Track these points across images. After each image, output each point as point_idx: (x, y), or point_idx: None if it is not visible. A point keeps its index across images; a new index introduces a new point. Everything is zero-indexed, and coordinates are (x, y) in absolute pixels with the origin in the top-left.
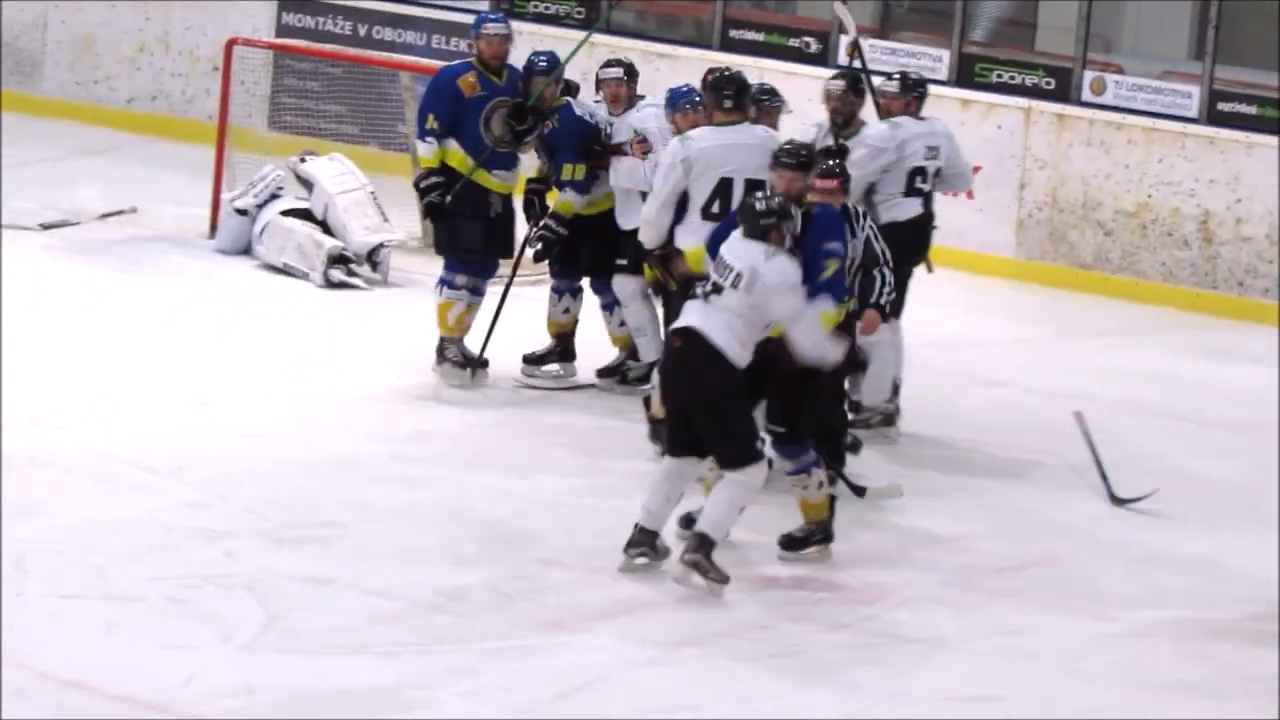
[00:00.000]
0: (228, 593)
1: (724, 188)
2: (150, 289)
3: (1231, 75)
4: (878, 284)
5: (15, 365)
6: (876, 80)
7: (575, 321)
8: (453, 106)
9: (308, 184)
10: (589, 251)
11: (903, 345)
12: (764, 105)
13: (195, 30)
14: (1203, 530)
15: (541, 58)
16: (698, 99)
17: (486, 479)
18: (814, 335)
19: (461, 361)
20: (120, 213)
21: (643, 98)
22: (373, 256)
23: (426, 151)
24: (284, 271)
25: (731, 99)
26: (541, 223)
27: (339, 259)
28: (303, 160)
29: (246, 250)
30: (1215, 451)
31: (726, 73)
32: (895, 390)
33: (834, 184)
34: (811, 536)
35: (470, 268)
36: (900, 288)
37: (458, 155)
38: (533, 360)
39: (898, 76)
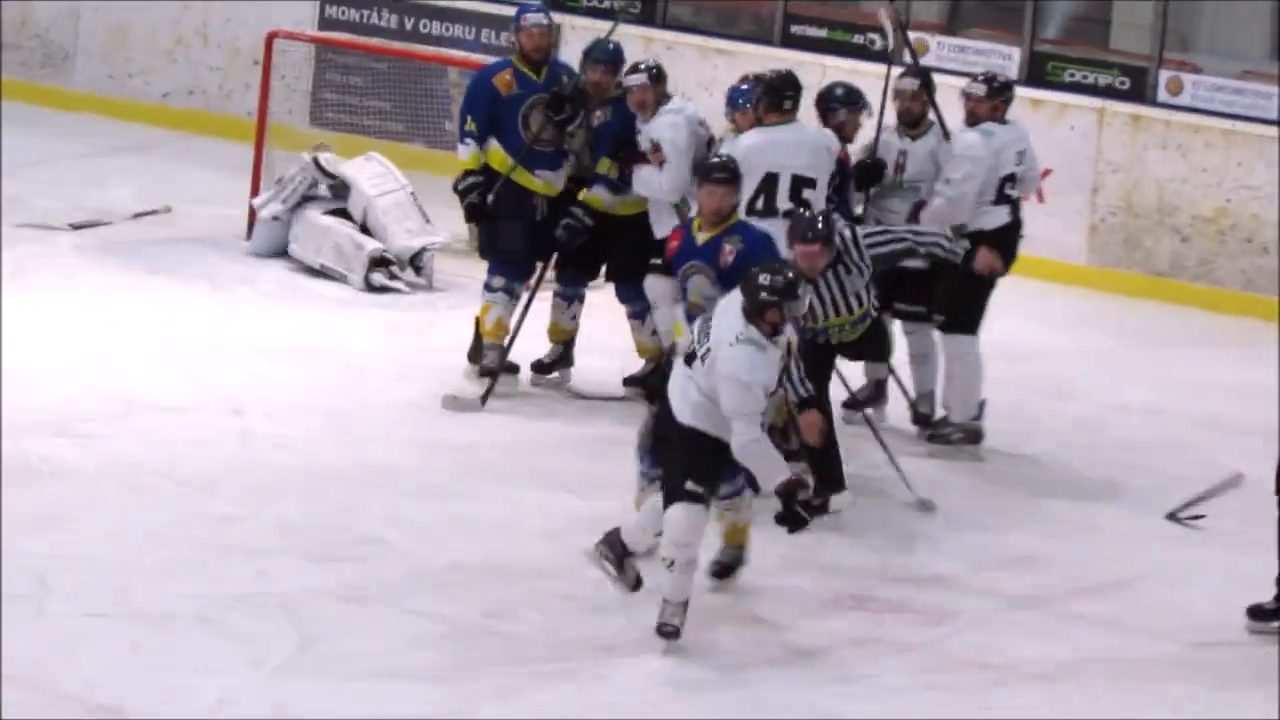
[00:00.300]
0: (261, 613)
1: (769, 183)
2: (184, 293)
3: None
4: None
5: (41, 371)
6: (961, 82)
7: (578, 328)
8: (490, 106)
9: (343, 185)
10: (616, 254)
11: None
12: (839, 108)
13: (235, 22)
14: None
15: (602, 47)
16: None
17: (535, 494)
18: (751, 451)
19: (495, 370)
20: (154, 212)
21: (670, 100)
22: (416, 261)
23: (464, 154)
24: (320, 273)
25: (791, 100)
26: (570, 210)
27: (380, 261)
28: (318, 154)
29: (283, 253)
30: None
31: (782, 73)
32: (981, 408)
33: (816, 248)
34: (738, 562)
35: (512, 270)
36: (981, 300)
37: (498, 155)
38: (542, 369)
39: (983, 79)
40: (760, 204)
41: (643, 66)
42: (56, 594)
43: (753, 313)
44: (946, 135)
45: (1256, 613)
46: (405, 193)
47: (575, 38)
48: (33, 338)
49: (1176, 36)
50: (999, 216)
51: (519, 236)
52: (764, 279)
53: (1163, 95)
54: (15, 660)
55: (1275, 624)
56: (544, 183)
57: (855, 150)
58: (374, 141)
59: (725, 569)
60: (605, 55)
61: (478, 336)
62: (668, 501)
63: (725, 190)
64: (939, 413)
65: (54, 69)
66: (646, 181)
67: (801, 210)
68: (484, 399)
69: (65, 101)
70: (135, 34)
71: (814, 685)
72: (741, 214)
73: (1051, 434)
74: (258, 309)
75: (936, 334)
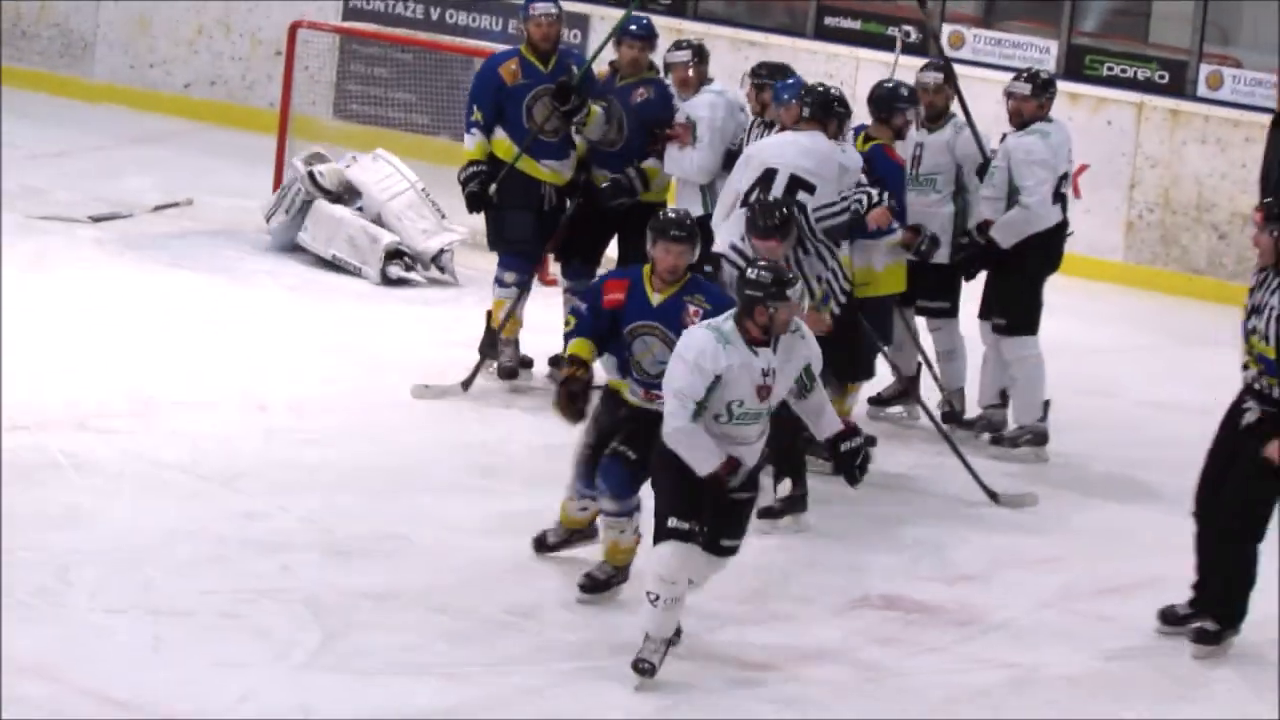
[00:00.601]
0: (284, 608)
1: (766, 178)
2: (205, 286)
3: None
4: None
5: (60, 365)
6: (998, 75)
7: None
8: (496, 96)
9: (342, 193)
10: (631, 243)
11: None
12: (907, 107)
13: (257, 12)
14: None
15: (636, 21)
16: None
17: (561, 492)
18: (675, 439)
19: (512, 369)
20: (175, 205)
21: (711, 82)
22: (437, 261)
23: (470, 144)
24: (332, 264)
25: (808, 109)
26: (624, 170)
27: (395, 254)
28: (312, 166)
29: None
30: None
31: (837, 94)
32: (1045, 409)
33: (772, 243)
34: (613, 579)
35: (522, 263)
36: (1037, 299)
37: (504, 145)
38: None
39: (1027, 76)
40: (755, 197)
41: (686, 44)
42: (78, 589)
43: (741, 313)
44: (974, 130)
45: (1169, 617)
46: (415, 190)
47: (604, 27)
48: (53, 331)
49: (1217, 30)
50: (1054, 215)
51: (526, 227)
52: (752, 274)
53: (1203, 90)
54: (36, 654)
55: (1190, 627)
56: (551, 171)
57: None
58: (399, 134)
59: (596, 584)
60: (642, 30)
61: (489, 331)
62: (656, 538)
63: (683, 249)
64: (971, 410)
65: (73, 59)
66: (678, 161)
67: (759, 197)
68: (466, 384)
69: (85, 92)
70: (157, 23)
71: (841, 685)
72: (738, 206)
73: (1091, 431)
74: (280, 303)
75: (991, 335)
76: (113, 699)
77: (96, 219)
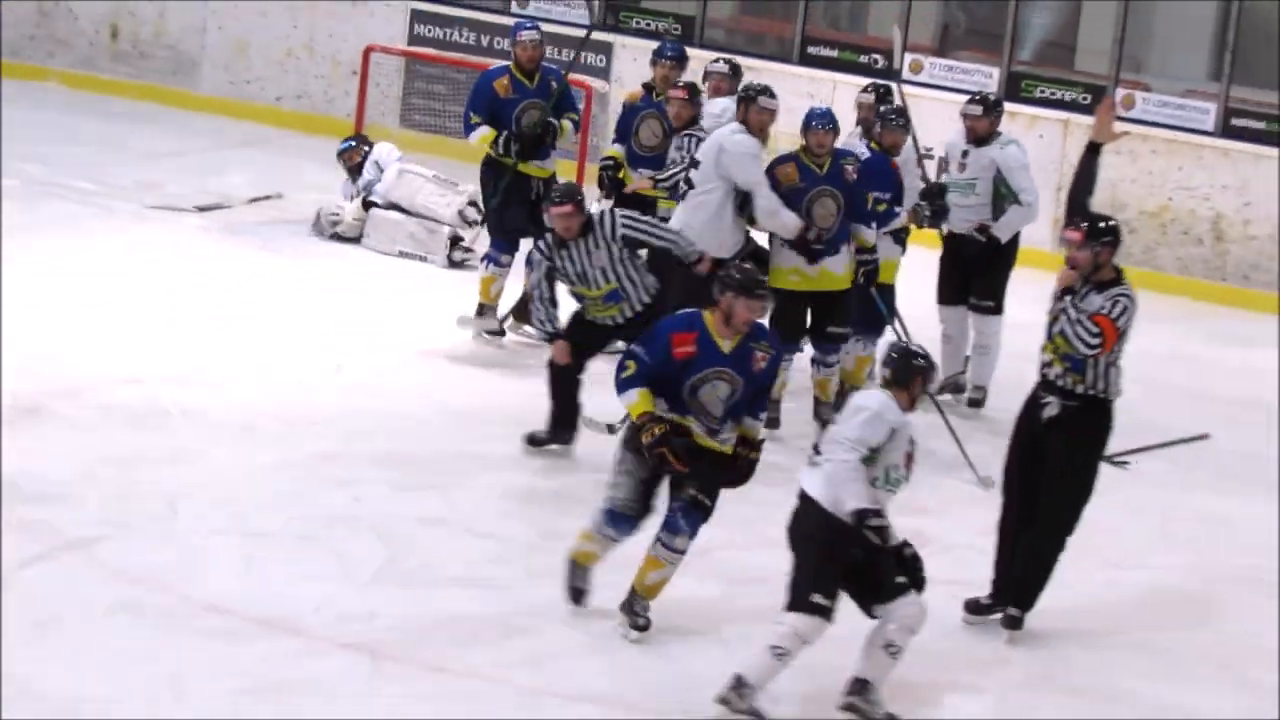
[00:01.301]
0: (354, 533)
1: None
2: (289, 266)
3: (1245, 94)
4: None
5: (170, 330)
6: (950, 96)
7: None
8: (490, 105)
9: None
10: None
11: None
12: (891, 125)
13: (337, 37)
14: (1212, 493)
15: (671, 45)
16: (828, 122)
17: (598, 438)
18: (850, 475)
19: (498, 329)
20: (266, 198)
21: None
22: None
23: (475, 137)
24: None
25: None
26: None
27: (456, 240)
28: (332, 226)
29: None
30: (1224, 422)
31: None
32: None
33: (568, 209)
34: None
35: (512, 245)
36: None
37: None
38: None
39: (979, 99)
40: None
41: (724, 60)
42: (184, 516)
43: (898, 383)
44: (917, 148)
45: (973, 607)
46: (432, 180)
47: (625, 55)
48: (162, 301)
49: (1132, 60)
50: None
51: (523, 218)
52: (915, 360)
53: (1119, 109)
54: (150, 569)
55: (994, 616)
56: (539, 168)
57: None
58: (452, 141)
59: (642, 627)
60: (675, 51)
61: (521, 301)
62: (794, 606)
63: (761, 305)
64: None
65: (183, 75)
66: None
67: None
68: (501, 325)
69: (193, 103)
70: (253, 46)
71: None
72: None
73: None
74: (355, 280)
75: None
76: (211, 604)
77: (201, 209)
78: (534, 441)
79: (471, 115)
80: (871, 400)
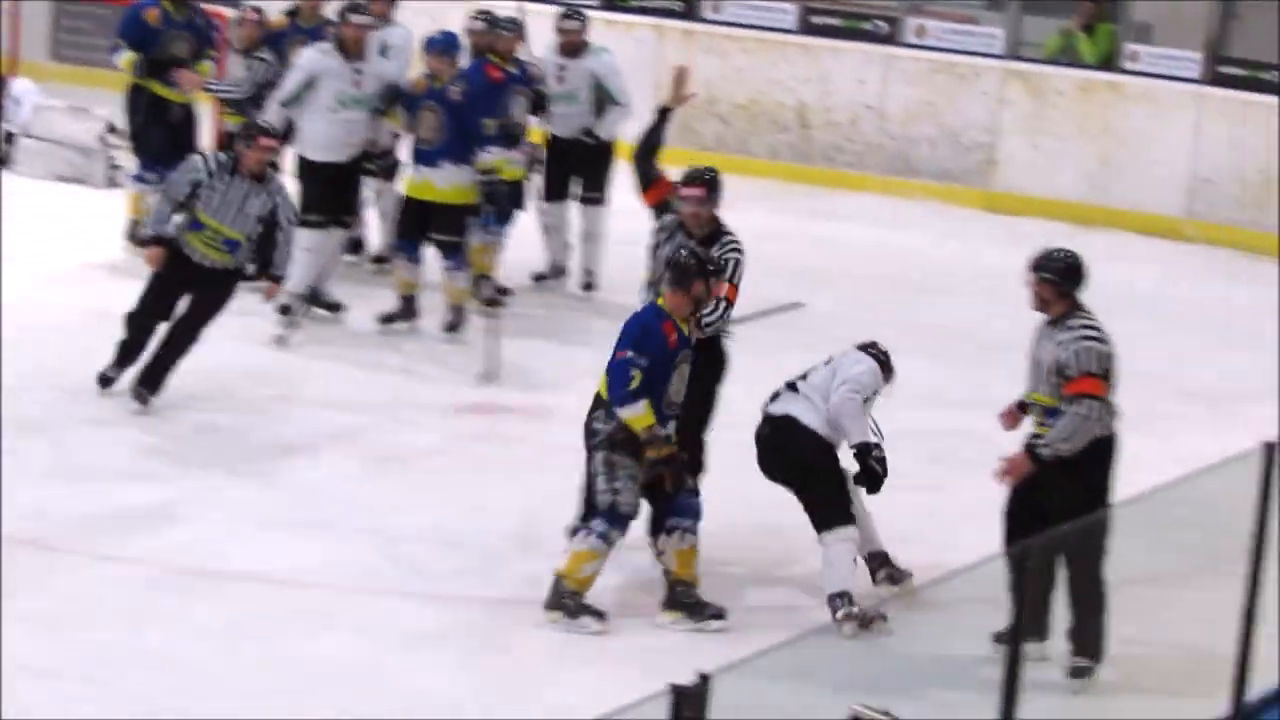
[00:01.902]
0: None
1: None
2: None
3: None
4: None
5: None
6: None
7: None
8: (139, 32)
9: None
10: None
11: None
12: (501, 32)
13: None
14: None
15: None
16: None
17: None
18: (860, 410)
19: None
20: None
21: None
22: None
23: (117, 59)
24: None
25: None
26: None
27: (111, 161)
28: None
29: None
30: (817, 287)
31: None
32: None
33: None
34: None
35: (158, 164)
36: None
37: None
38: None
39: (572, 12)
40: None
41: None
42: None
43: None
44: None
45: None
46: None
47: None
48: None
49: None
50: None
51: (164, 137)
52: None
53: (708, 11)
54: None
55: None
56: (177, 93)
57: None
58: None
59: (694, 606)
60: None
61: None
62: (836, 521)
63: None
64: None
65: None
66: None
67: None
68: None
69: None
70: None
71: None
72: None
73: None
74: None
75: None
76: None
77: None
78: (104, 382)
79: (119, 41)
80: (859, 359)
